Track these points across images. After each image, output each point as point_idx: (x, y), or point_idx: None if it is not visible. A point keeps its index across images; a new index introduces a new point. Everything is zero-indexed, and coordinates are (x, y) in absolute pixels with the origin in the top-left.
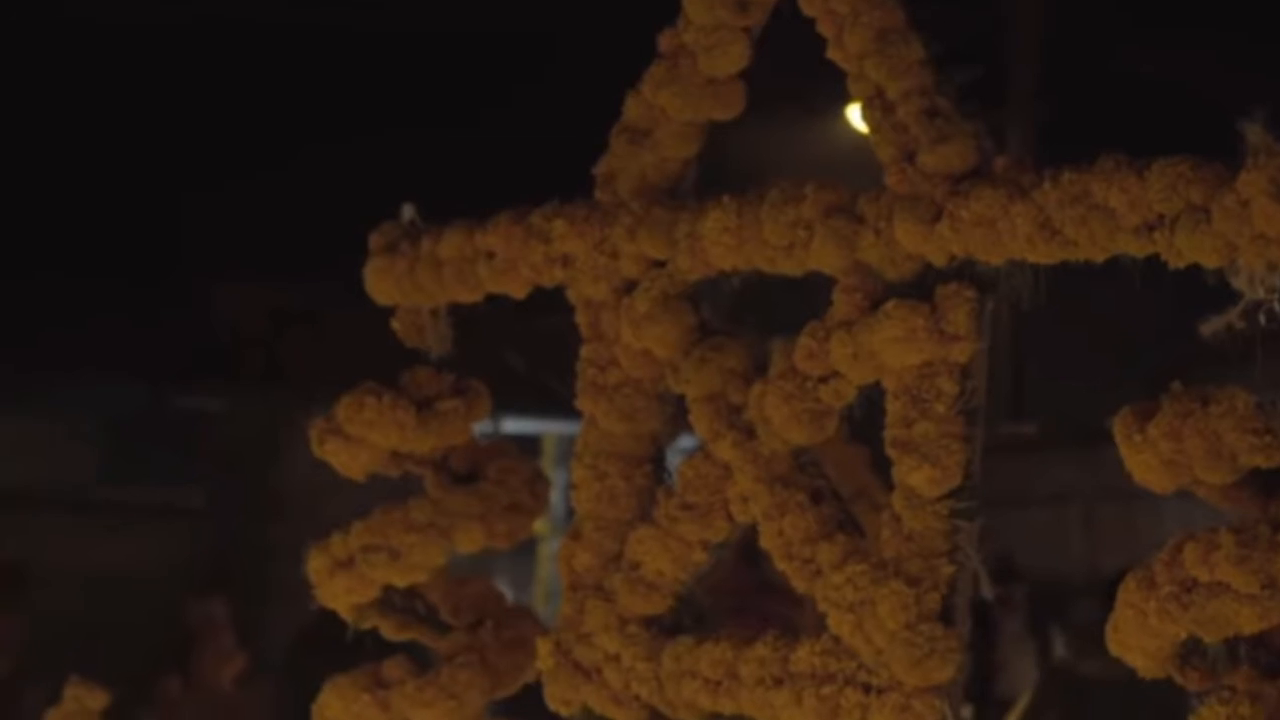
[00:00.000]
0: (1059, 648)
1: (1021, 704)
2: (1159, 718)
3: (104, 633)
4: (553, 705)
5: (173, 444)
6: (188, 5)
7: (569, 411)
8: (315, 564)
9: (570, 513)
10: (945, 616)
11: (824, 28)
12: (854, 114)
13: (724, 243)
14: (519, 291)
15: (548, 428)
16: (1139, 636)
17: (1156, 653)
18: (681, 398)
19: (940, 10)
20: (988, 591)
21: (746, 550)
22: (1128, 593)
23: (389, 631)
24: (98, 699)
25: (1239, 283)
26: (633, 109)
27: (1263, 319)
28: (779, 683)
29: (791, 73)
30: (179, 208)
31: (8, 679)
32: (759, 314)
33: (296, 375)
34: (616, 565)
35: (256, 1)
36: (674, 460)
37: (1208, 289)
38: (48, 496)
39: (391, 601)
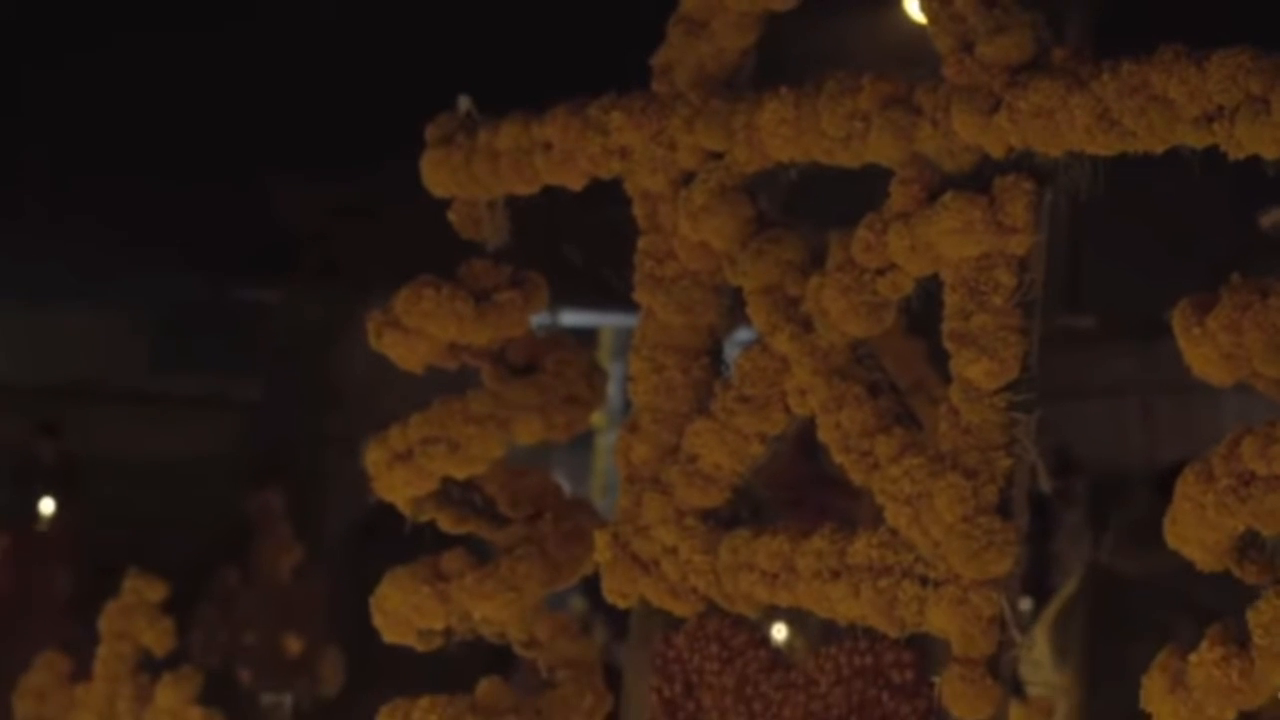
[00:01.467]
0: (1102, 547)
1: (1058, 600)
2: (1195, 619)
3: (162, 524)
4: (610, 598)
5: (230, 337)
6: None
7: (626, 304)
8: (373, 456)
9: (627, 405)
10: (1003, 509)
11: None
12: (912, 4)
13: (781, 134)
14: (576, 183)
15: (605, 320)
16: (1197, 530)
17: (1214, 546)
18: (739, 290)
19: None
20: (1045, 484)
21: (804, 443)
22: (1186, 486)
23: (447, 524)
24: (156, 590)
25: None
26: (690, 0)
27: None
28: (836, 575)
29: None
30: (239, 103)
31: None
32: (816, 206)
33: (354, 269)
34: (674, 458)
35: None
36: (731, 353)
37: (1267, 180)
38: (107, 389)
39: (449, 494)
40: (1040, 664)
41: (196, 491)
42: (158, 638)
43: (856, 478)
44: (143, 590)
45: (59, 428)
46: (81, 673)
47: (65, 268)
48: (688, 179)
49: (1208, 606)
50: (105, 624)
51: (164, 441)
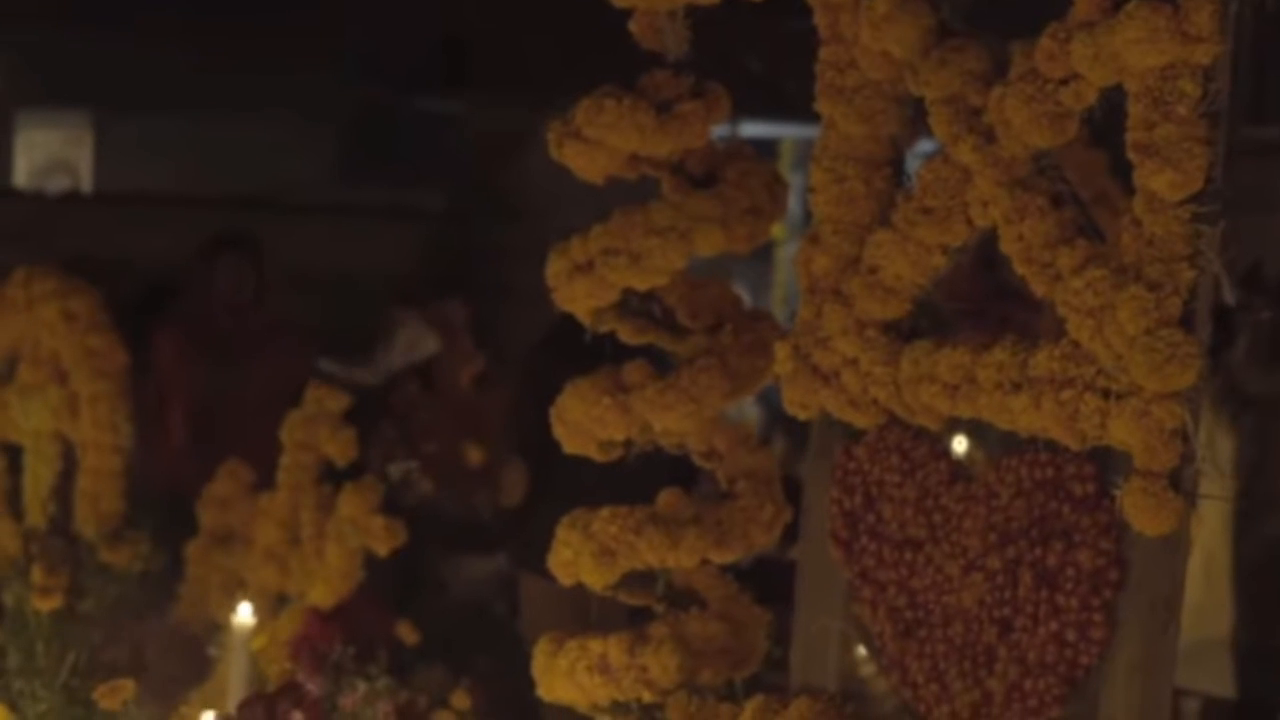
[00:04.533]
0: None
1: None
2: None
3: (343, 336)
4: (790, 409)
5: (413, 148)
6: None
7: (807, 114)
8: (554, 267)
9: (808, 216)
10: (1186, 322)
11: None
12: None
13: None
14: None
15: (785, 131)
16: None
17: None
18: (920, 100)
19: None
20: (1229, 296)
21: (985, 254)
22: None
23: (627, 335)
24: (338, 401)
25: None
26: None
27: None
28: (1017, 387)
29: None
30: None
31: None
32: (999, 15)
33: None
34: (855, 269)
35: None
36: (913, 164)
37: None
38: (289, 200)
39: (630, 305)
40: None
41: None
42: (339, 447)
43: (1038, 290)
44: (325, 401)
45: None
46: (264, 482)
47: (248, 80)
48: None
49: None
50: (288, 434)
51: (345, 253)
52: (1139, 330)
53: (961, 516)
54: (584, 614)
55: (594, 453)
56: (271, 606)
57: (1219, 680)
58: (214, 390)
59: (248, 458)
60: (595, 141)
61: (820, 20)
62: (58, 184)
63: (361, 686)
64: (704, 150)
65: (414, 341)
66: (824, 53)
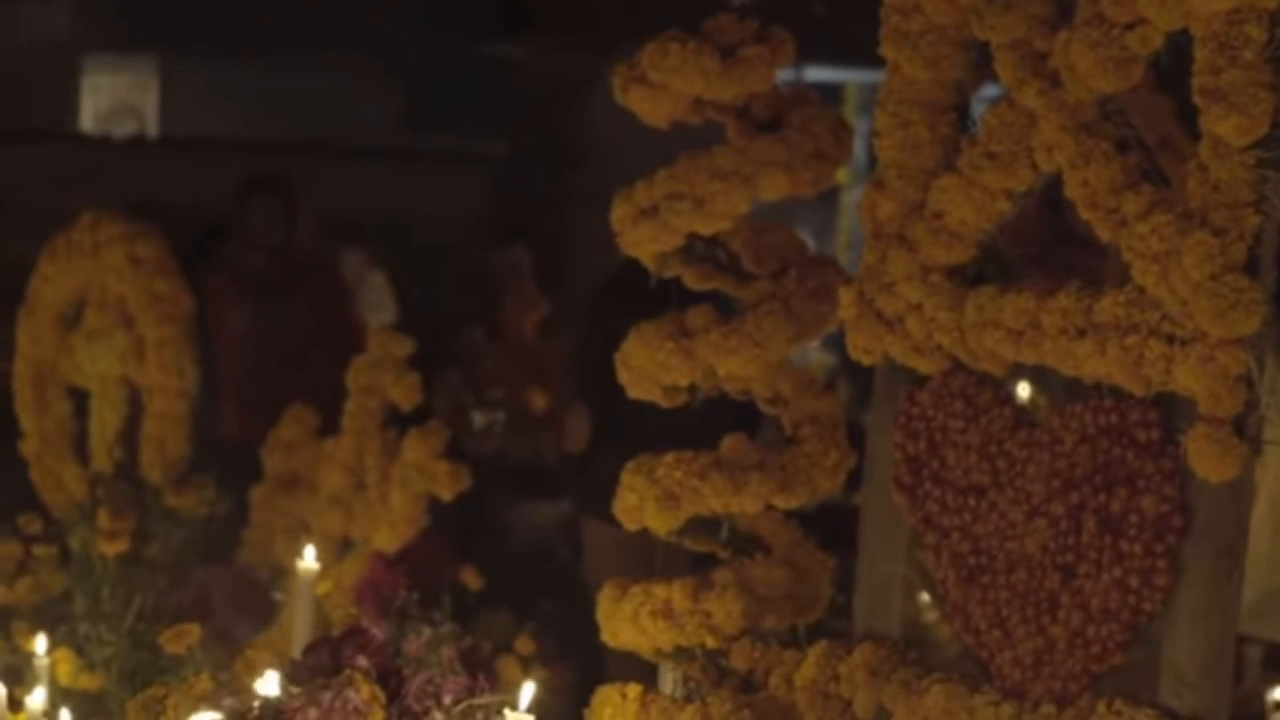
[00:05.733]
0: None
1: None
2: None
3: (407, 280)
4: (854, 354)
5: (477, 92)
6: None
7: (872, 59)
8: (619, 212)
9: (873, 161)
10: (1250, 267)
11: None
12: None
13: None
14: None
15: (850, 76)
16: None
17: None
18: (986, 44)
19: None
20: None
21: (1050, 199)
22: None
23: (691, 280)
24: (403, 346)
25: None
26: None
27: None
28: (1082, 333)
29: None
30: None
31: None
32: None
33: (601, 23)
34: (919, 214)
35: None
36: (978, 109)
37: None
38: (353, 145)
39: (694, 250)
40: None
41: (442, 249)
42: (404, 392)
43: (1103, 235)
44: (389, 346)
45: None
46: (329, 427)
47: (313, 25)
48: None
49: None
50: (353, 379)
51: (409, 198)
52: (1204, 276)
53: (1025, 463)
54: (648, 559)
55: (658, 398)
56: (336, 551)
57: None
58: (253, 330)
59: (290, 396)
60: (660, 86)
61: None
62: (123, 128)
63: (426, 632)
64: (768, 95)
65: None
66: None
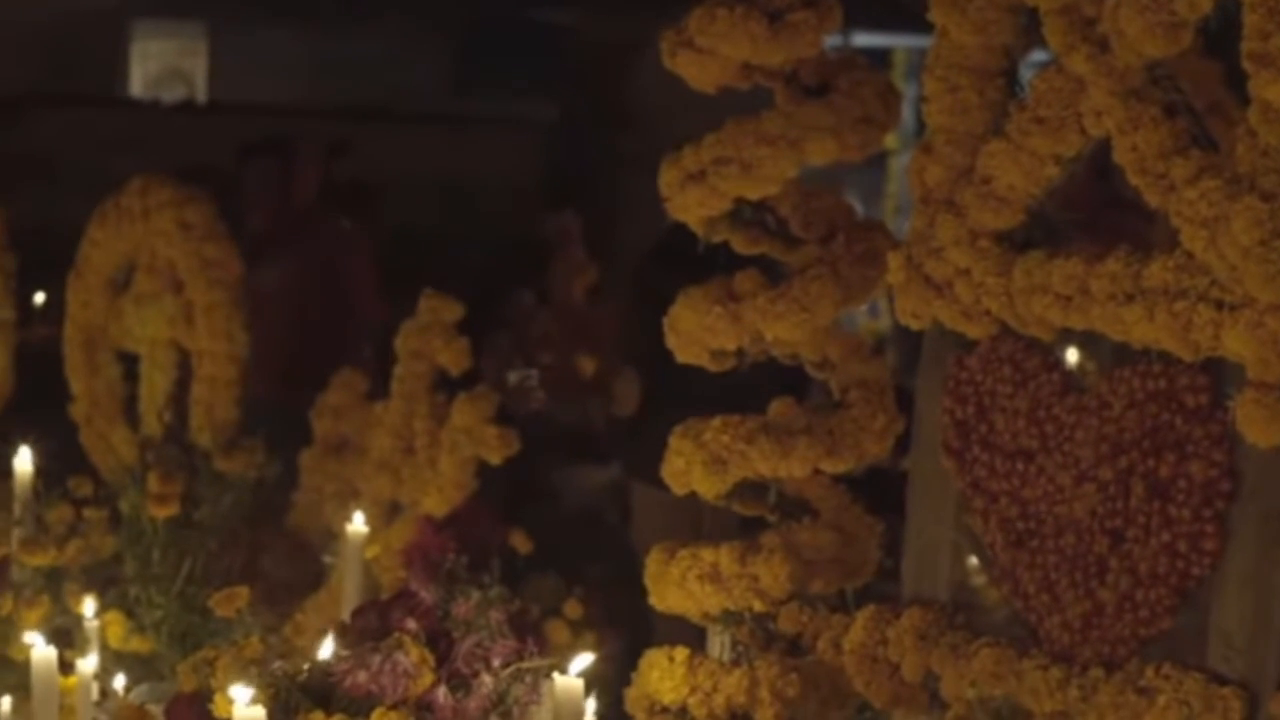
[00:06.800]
0: None
1: None
2: None
3: (458, 246)
4: (903, 319)
5: (526, 57)
6: None
7: (920, 24)
8: (667, 176)
9: (921, 126)
10: None
11: None
12: None
13: None
14: None
15: (898, 40)
16: None
17: None
18: (1034, 10)
19: None
20: None
21: (1098, 164)
22: None
23: (739, 245)
24: (452, 310)
25: None
26: None
27: None
28: (1130, 298)
29: None
30: None
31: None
32: None
33: None
34: (968, 179)
35: None
36: (1026, 74)
37: None
38: (404, 110)
39: (742, 214)
40: None
41: (492, 214)
42: (453, 357)
43: (1152, 200)
44: (439, 310)
45: (347, 148)
46: (378, 392)
47: None
48: None
49: None
50: (402, 343)
51: (460, 164)
52: (1253, 241)
53: (1074, 427)
54: (696, 523)
55: (706, 362)
56: (385, 515)
57: None
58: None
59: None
60: (707, 51)
61: None
62: (173, 94)
63: (474, 595)
64: (816, 60)
65: None
66: None
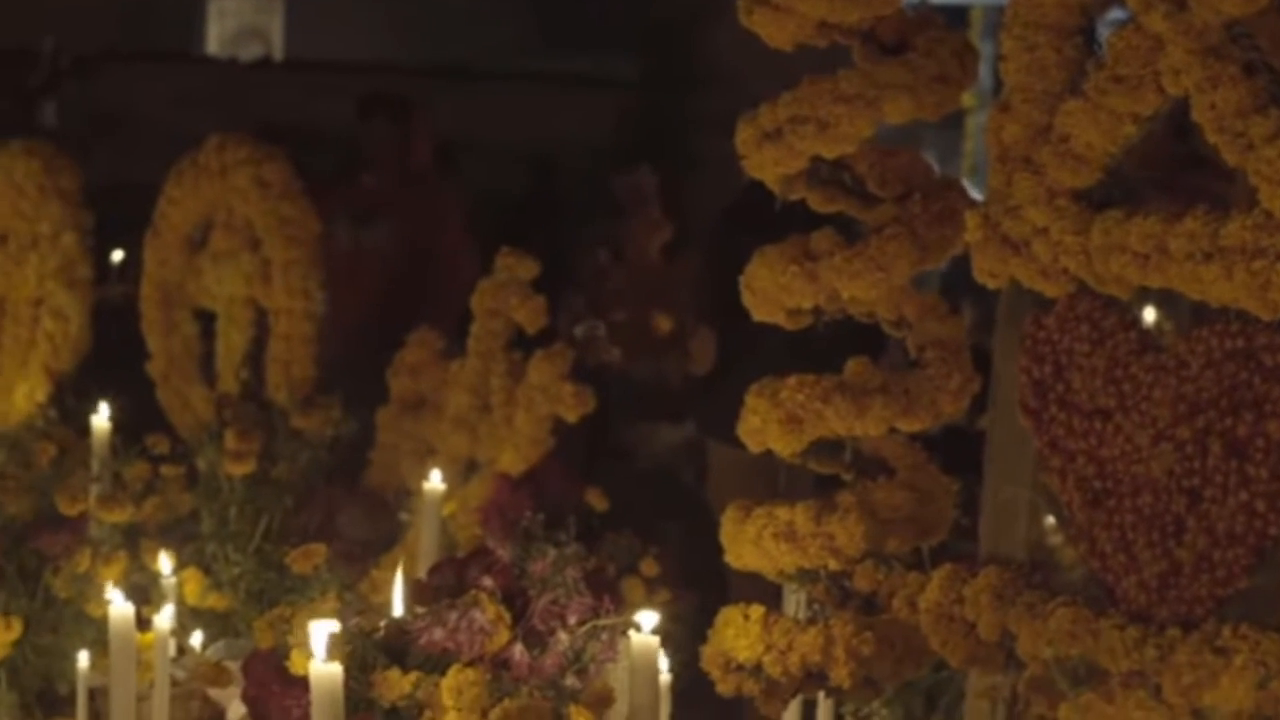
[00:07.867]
0: None
1: None
2: None
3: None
4: (980, 278)
5: (604, 17)
6: None
7: None
8: (743, 135)
9: (998, 85)
10: None
11: None
12: None
13: None
14: None
15: None
16: None
17: None
18: None
19: None
20: None
21: (1176, 123)
22: None
23: (816, 203)
24: (529, 268)
25: None
26: None
27: None
28: (1209, 257)
29: None
30: None
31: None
32: None
33: None
34: (1045, 138)
35: None
36: (1104, 32)
37: None
38: (483, 69)
39: (819, 173)
40: None
41: (570, 171)
42: (529, 315)
43: (1230, 159)
44: (515, 268)
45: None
46: (455, 349)
47: None
48: None
49: None
50: (478, 302)
51: (538, 122)
52: None
53: (1151, 386)
54: (772, 481)
55: (782, 320)
56: (462, 473)
57: None
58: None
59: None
60: (784, 9)
61: None
62: (249, 51)
63: (550, 553)
64: (894, 18)
65: None
66: None
